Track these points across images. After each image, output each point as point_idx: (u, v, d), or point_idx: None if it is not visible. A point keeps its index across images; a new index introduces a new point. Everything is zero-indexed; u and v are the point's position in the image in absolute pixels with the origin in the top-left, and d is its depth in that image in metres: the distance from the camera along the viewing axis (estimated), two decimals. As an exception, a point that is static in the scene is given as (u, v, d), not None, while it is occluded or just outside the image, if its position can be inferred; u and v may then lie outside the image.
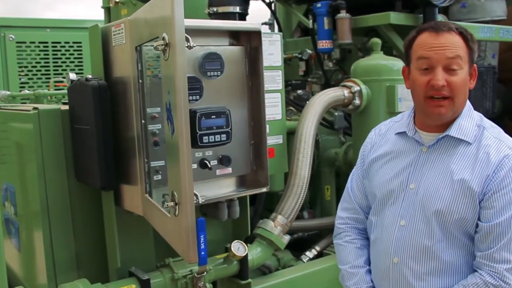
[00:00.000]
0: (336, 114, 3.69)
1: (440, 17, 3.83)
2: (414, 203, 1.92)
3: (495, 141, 1.85)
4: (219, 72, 2.42)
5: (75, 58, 5.81)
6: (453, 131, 1.88)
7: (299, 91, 4.16)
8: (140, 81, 2.25)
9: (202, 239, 2.15)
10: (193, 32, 2.11)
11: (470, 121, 1.90)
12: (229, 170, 2.49)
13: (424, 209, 1.89)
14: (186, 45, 1.93)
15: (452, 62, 1.80)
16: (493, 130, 1.90)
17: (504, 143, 1.85)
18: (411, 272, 1.92)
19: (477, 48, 1.90)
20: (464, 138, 1.87)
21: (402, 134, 2.03)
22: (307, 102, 3.26)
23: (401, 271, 1.94)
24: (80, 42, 5.78)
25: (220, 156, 2.44)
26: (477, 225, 1.84)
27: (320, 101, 3.16)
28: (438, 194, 1.86)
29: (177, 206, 1.94)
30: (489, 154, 1.82)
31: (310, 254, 3.47)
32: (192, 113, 2.25)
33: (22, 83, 5.58)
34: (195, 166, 2.34)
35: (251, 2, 3.29)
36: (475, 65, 1.89)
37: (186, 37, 1.91)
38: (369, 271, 2.10)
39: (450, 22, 1.92)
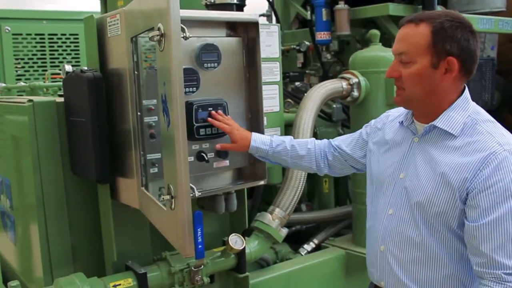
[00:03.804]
0: (334, 106, 3.68)
1: (439, 8, 3.81)
2: (401, 192, 1.93)
3: (486, 136, 1.79)
4: (216, 64, 2.39)
5: (71, 50, 5.78)
6: (439, 122, 1.85)
7: (297, 83, 4.14)
8: (136, 72, 2.23)
9: (199, 232, 2.14)
10: (189, 23, 2.09)
11: (462, 114, 1.85)
12: (226, 162, 2.47)
13: (409, 199, 1.89)
14: (182, 35, 1.91)
15: (401, 56, 1.85)
16: (487, 124, 1.84)
17: (494, 139, 1.77)
18: (395, 260, 1.93)
19: (457, 38, 1.77)
20: (450, 130, 1.83)
21: (402, 123, 2.03)
22: (305, 94, 3.24)
23: (386, 259, 1.96)
24: (76, 34, 5.74)
25: (217, 149, 2.42)
26: (458, 220, 1.80)
27: (318, 93, 3.15)
28: (421, 186, 1.86)
29: (173, 200, 1.93)
30: (476, 149, 1.77)
31: (308, 247, 3.47)
32: (189, 105, 2.24)
33: (18, 75, 5.54)
34: (192, 158, 2.33)
35: (248, -7, 3.27)
36: (451, 57, 1.78)
37: (181, 27, 1.88)
38: (284, 148, 2.35)
39: (432, 12, 1.87)
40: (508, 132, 1.84)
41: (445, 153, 1.83)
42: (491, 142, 1.77)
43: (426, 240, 1.86)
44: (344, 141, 2.34)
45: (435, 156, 1.85)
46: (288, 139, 2.40)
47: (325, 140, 2.39)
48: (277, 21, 4.21)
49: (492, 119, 1.89)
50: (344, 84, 3.23)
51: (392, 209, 1.95)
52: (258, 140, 2.35)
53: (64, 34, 5.72)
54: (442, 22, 1.79)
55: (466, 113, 1.85)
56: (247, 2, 2.94)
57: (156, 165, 2.30)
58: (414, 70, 1.82)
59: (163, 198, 1.98)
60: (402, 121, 2.02)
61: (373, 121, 2.26)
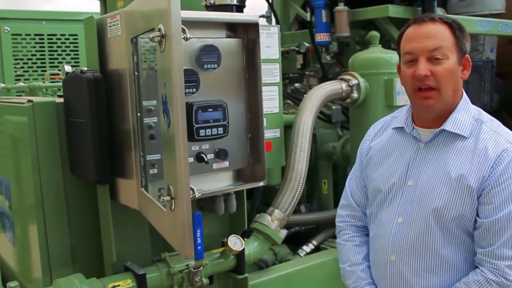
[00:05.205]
0: (334, 107, 3.68)
1: (439, 10, 3.81)
2: (412, 200, 1.90)
3: (493, 135, 1.82)
4: (216, 65, 2.39)
5: (71, 50, 5.78)
6: (448, 126, 1.85)
7: (297, 84, 4.15)
8: (136, 73, 2.23)
9: (198, 233, 2.13)
10: (189, 24, 2.08)
11: (467, 115, 1.87)
12: (226, 163, 2.47)
13: (422, 206, 1.87)
14: (183, 36, 1.91)
15: (435, 52, 1.79)
16: (492, 123, 1.88)
17: (502, 137, 1.82)
18: (409, 269, 1.90)
19: (468, 38, 1.87)
20: (460, 133, 1.84)
21: (400, 130, 2.01)
22: (305, 95, 3.24)
23: (398, 268, 1.93)
24: (76, 35, 5.74)
25: (217, 150, 2.42)
26: (475, 221, 1.81)
27: (318, 94, 3.14)
28: (436, 192, 1.84)
29: (173, 201, 1.92)
30: (487, 148, 1.79)
31: (307, 248, 3.46)
32: (189, 106, 2.23)
33: (17, 75, 5.54)
34: (191, 159, 2.32)
35: (248, -5, 3.27)
36: (467, 55, 1.86)
37: (182, 28, 1.88)
38: (368, 267, 2.08)
39: (439, 14, 1.89)
40: (509, 130, 1.89)
41: (458, 155, 1.83)
42: (500, 140, 1.81)
43: (441, 246, 1.85)
44: (360, 197, 2.16)
45: (448, 160, 1.84)
46: (365, 265, 2.10)
47: (358, 217, 2.16)
48: (277, 22, 4.22)
49: (493, 118, 1.92)
50: (344, 85, 3.23)
51: (402, 217, 1.92)
52: None
53: (64, 35, 5.73)
54: (455, 21, 1.84)
55: (470, 114, 1.88)
56: (246, 3, 2.94)
57: (156, 166, 2.30)
58: (450, 65, 1.80)
59: (163, 199, 1.97)
60: (400, 127, 1.99)
61: (360, 146, 2.20)
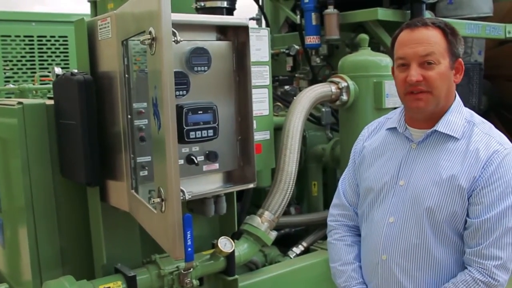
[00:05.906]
0: (323, 110, 3.70)
1: (427, 14, 3.84)
2: (403, 200, 1.92)
3: (485, 137, 1.85)
4: (206, 67, 2.40)
5: (60, 52, 5.77)
6: (441, 127, 1.88)
7: (286, 87, 4.16)
8: (126, 75, 2.23)
9: (188, 235, 2.14)
10: (180, 26, 2.09)
11: (459, 117, 1.89)
12: (216, 166, 2.48)
13: (414, 206, 1.89)
14: (173, 39, 1.92)
15: (426, 57, 1.81)
16: (484, 125, 1.90)
17: (494, 139, 1.84)
18: (400, 269, 1.92)
19: (461, 42, 1.89)
20: (452, 134, 1.86)
21: (393, 130, 2.03)
22: (294, 97, 3.25)
23: (389, 268, 1.94)
24: (66, 36, 5.74)
25: (207, 152, 2.43)
26: (465, 222, 1.84)
27: (308, 96, 3.16)
28: (427, 191, 1.86)
29: (163, 202, 1.93)
30: (479, 150, 1.82)
31: (297, 250, 3.47)
32: (179, 109, 2.24)
33: (7, 77, 5.52)
34: (181, 161, 2.33)
35: (238, -3, 3.28)
36: (460, 59, 1.88)
37: (173, 31, 1.89)
38: (359, 268, 2.10)
39: (432, 18, 1.91)
40: (500, 132, 1.92)
41: (449, 156, 1.86)
42: (491, 142, 1.83)
43: (432, 246, 1.87)
44: (352, 197, 2.18)
45: (439, 161, 1.86)
46: (356, 265, 2.11)
47: (350, 216, 2.18)
48: (267, 25, 4.24)
49: (485, 120, 1.95)
50: (333, 88, 3.25)
51: (393, 217, 1.93)
52: None
53: (53, 36, 5.72)
54: (448, 26, 1.86)
55: (462, 116, 1.91)
56: (237, 6, 2.96)
57: (146, 168, 2.30)
58: (441, 70, 1.82)
59: (153, 201, 1.98)
60: (393, 128, 2.01)
61: (353, 147, 2.23)
